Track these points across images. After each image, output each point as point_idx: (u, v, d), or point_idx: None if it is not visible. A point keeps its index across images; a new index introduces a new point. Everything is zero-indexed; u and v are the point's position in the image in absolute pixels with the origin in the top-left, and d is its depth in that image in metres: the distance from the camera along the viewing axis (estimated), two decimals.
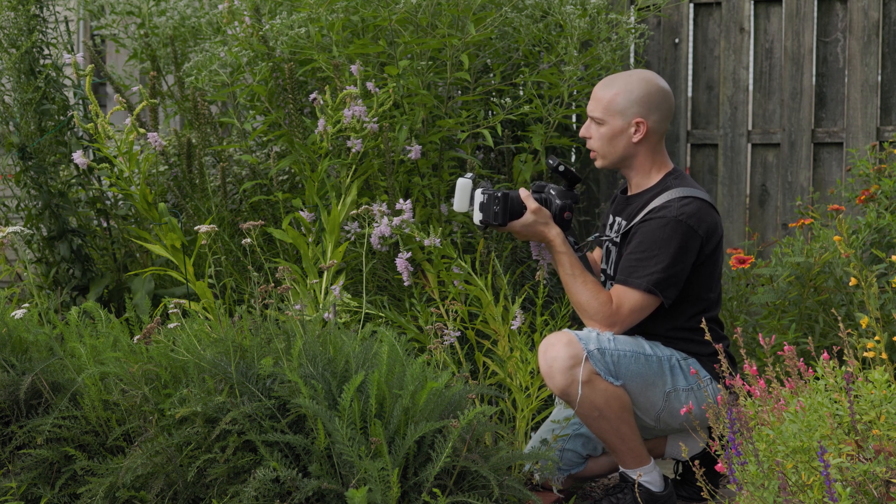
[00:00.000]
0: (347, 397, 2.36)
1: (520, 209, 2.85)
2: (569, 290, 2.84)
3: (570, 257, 2.84)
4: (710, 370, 2.87)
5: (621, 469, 2.87)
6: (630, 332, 2.85)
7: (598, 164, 2.94)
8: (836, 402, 2.01)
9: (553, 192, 2.92)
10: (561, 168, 2.91)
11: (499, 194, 2.84)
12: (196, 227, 2.83)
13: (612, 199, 3.09)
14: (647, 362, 2.80)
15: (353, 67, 3.27)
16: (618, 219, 2.97)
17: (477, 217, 2.88)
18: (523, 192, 2.86)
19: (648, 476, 2.84)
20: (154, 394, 2.61)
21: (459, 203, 2.93)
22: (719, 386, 2.77)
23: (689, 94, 4.61)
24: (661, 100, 2.88)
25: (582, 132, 2.94)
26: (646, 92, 2.86)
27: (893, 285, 3.04)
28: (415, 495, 2.43)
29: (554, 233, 2.86)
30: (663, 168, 2.93)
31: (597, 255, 3.19)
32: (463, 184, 2.91)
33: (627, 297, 2.79)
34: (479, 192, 2.87)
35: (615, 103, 2.86)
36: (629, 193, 2.98)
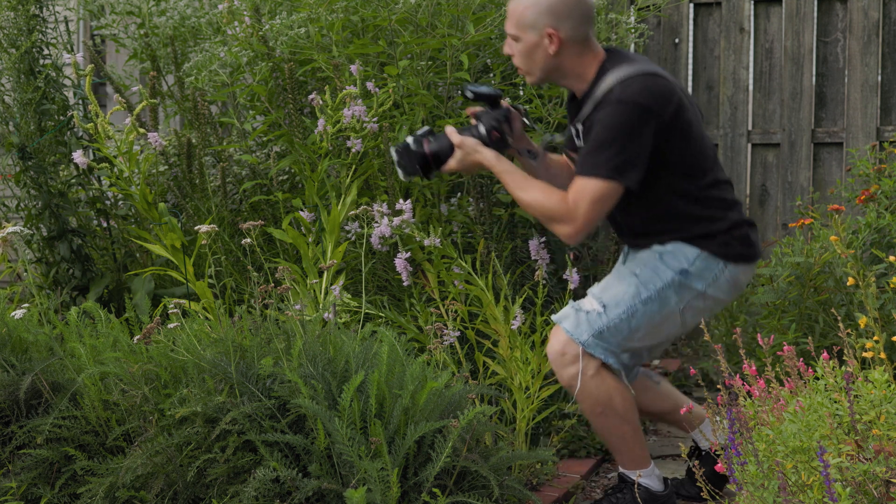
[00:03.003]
0: (347, 397, 2.36)
1: (449, 149, 2.87)
2: (524, 204, 2.79)
3: (511, 174, 2.81)
4: (720, 253, 2.77)
5: (620, 469, 2.87)
6: (631, 238, 2.80)
7: (528, 80, 2.88)
8: (835, 402, 2.01)
9: (480, 118, 2.92)
10: (469, 94, 2.90)
11: (400, 148, 2.87)
12: (196, 227, 2.83)
13: (567, 107, 3.01)
14: (646, 306, 2.74)
15: (353, 67, 3.27)
16: (576, 126, 2.89)
17: (401, 175, 2.91)
18: (448, 129, 2.88)
19: (648, 479, 2.84)
20: (154, 394, 2.61)
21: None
22: (736, 268, 2.75)
23: (690, 94, 4.61)
24: (572, 6, 2.79)
25: (505, 50, 2.89)
26: (553, 1, 2.78)
27: (893, 285, 3.03)
28: (415, 495, 2.43)
29: (487, 156, 2.83)
30: (594, 62, 2.82)
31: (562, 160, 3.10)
32: (401, 149, 2.92)
33: (586, 189, 2.70)
34: (392, 150, 2.90)
35: (525, 17, 2.79)
36: (577, 98, 2.90)
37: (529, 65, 2.83)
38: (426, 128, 2.93)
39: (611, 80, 2.73)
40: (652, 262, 2.79)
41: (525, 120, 2.95)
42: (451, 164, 2.86)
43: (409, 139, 2.90)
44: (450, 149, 2.87)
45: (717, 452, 2.14)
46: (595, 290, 2.81)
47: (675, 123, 2.72)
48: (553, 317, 2.81)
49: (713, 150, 2.86)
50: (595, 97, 2.75)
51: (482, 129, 2.88)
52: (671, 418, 3.02)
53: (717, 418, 2.16)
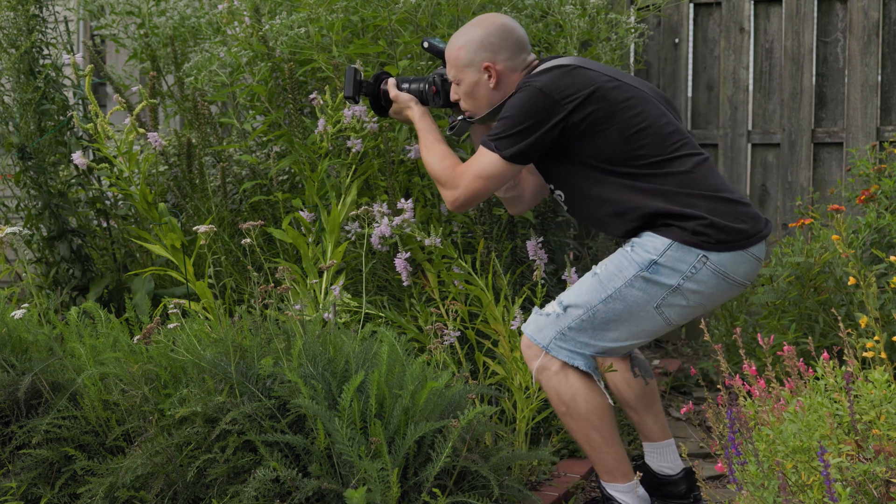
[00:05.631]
0: (347, 397, 2.36)
1: (388, 101, 3.02)
2: (424, 162, 2.86)
3: (425, 132, 2.87)
4: (694, 242, 2.60)
5: (600, 481, 2.75)
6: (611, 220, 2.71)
7: (476, 117, 2.87)
8: (835, 401, 2.01)
9: (426, 77, 3.01)
10: (425, 45, 2.97)
11: (352, 70, 3.01)
12: (196, 227, 2.83)
13: None
14: (608, 305, 2.63)
15: None
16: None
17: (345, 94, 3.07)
18: (390, 81, 2.98)
19: (624, 496, 2.70)
20: (154, 394, 2.61)
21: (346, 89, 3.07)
22: (721, 257, 2.59)
23: (689, 94, 4.61)
24: (503, 37, 2.79)
25: (452, 97, 2.90)
26: (483, 35, 2.79)
27: (893, 285, 3.03)
28: (415, 495, 2.43)
29: (414, 111, 2.92)
30: (527, 72, 2.83)
31: None
32: (349, 70, 3.04)
33: (475, 161, 2.72)
34: (349, 66, 3.03)
35: (460, 58, 2.80)
36: None
37: (475, 104, 2.85)
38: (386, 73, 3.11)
39: (528, 75, 2.77)
40: (618, 257, 2.66)
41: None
42: (392, 115, 3.01)
43: (371, 76, 3.07)
44: (387, 98, 3.02)
45: (717, 452, 2.14)
46: (562, 293, 2.74)
47: (581, 110, 2.65)
48: (522, 326, 2.75)
49: (676, 136, 2.70)
50: None
51: (423, 87, 2.97)
52: (635, 418, 2.93)
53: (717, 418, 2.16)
